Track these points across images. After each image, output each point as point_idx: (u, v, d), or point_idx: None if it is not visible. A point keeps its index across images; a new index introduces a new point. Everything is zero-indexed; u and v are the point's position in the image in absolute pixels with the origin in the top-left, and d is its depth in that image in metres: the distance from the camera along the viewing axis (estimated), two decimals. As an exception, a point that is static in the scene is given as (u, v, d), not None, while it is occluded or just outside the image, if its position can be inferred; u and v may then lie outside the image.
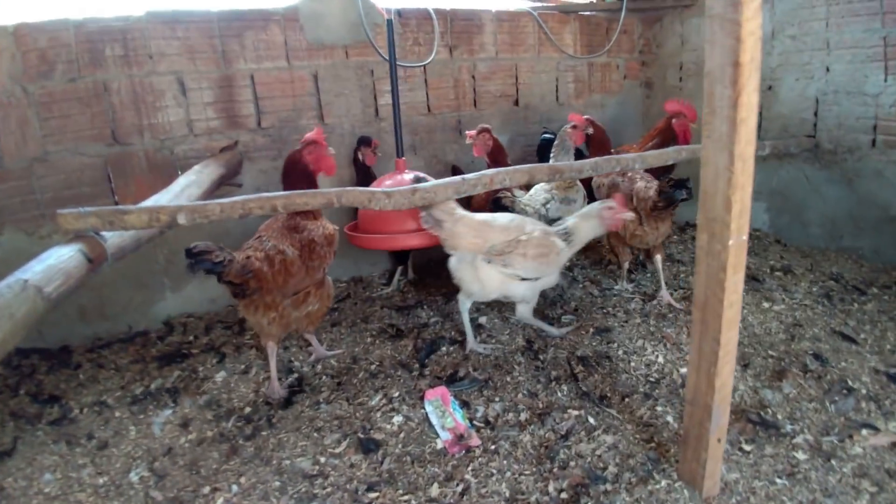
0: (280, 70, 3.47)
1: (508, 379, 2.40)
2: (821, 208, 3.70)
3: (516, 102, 4.19)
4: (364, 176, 3.50)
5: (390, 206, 2.09)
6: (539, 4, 4.19)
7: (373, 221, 2.91)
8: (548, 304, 3.16)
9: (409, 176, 2.97)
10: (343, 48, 3.56)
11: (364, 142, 3.52)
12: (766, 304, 2.92)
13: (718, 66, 1.33)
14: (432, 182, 2.24)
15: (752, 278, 3.25)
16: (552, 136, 3.90)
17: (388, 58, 3.01)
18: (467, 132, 3.39)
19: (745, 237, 1.43)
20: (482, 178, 2.26)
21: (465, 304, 2.67)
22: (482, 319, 3.01)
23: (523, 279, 2.54)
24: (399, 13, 3.67)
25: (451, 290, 3.49)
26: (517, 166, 2.43)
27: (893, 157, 3.26)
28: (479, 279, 2.53)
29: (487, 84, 4.04)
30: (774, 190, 3.94)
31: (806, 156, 3.71)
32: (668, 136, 3.46)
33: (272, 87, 3.47)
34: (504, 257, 2.46)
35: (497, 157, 3.41)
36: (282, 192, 2.15)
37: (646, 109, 4.76)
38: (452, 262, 2.59)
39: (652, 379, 2.33)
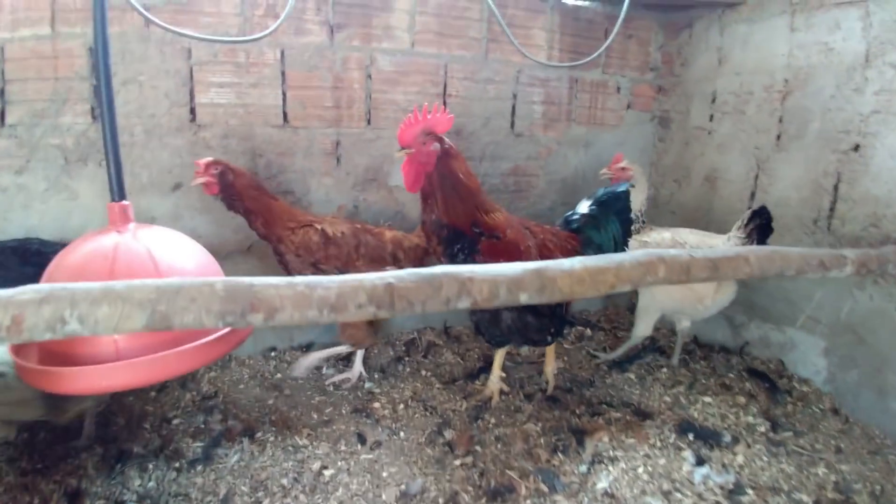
0: (40, 39, 2.17)
1: None
2: (924, 372, 2.05)
3: (441, 125, 2.73)
4: None
5: None
6: (500, -19, 2.73)
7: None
8: None
9: (121, 240, 1.58)
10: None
11: None
12: None
13: None
14: None
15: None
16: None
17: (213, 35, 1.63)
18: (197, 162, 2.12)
19: None
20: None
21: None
22: None
23: None
24: (247, -36, 2.30)
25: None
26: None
27: None
28: None
29: (393, 90, 2.60)
30: (843, 324, 2.30)
31: (909, 275, 2.07)
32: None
33: (27, 65, 2.18)
34: None
35: (239, 198, 2.17)
36: None
37: (657, 158, 3.17)
38: None
39: None
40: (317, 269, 2.20)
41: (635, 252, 1.33)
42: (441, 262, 2.03)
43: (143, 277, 1.48)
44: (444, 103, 2.68)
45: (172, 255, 1.61)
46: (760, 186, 2.59)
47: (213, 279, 1.02)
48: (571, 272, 1.23)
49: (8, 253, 2.03)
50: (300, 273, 2.21)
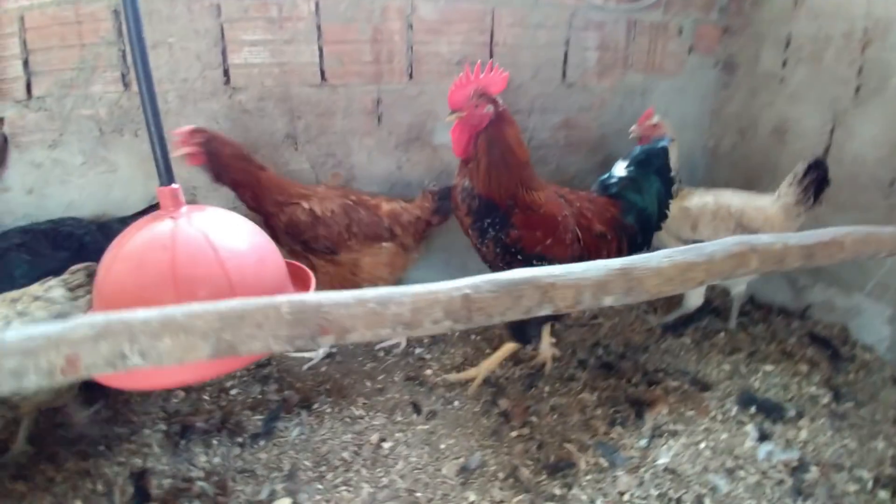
0: (61, 5, 2.05)
1: None
2: None
3: (487, 77, 2.54)
4: None
5: None
6: None
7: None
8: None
9: (183, 227, 1.53)
10: (167, -38, 2.06)
11: None
12: None
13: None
14: None
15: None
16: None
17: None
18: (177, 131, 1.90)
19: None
20: None
21: None
22: None
23: None
24: None
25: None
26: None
27: None
28: None
29: (436, 41, 2.41)
30: (916, 290, 2.17)
31: None
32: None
33: (49, 32, 2.08)
34: None
35: (226, 169, 2.02)
36: None
37: (719, 106, 2.93)
38: None
39: None
40: (307, 247, 2.12)
41: (725, 241, 1.22)
42: (468, 234, 1.94)
43: (203, 265, 1.45)
44: (491, 53, 2.49)
45: (228, 237, 1.54)
46: (836, 142, 2.38)
47: (278, 299, 0.96)
48: (659, 271, 1.14)
49: (39, 237, 1.96)
50: (291, 248, 2.14)
